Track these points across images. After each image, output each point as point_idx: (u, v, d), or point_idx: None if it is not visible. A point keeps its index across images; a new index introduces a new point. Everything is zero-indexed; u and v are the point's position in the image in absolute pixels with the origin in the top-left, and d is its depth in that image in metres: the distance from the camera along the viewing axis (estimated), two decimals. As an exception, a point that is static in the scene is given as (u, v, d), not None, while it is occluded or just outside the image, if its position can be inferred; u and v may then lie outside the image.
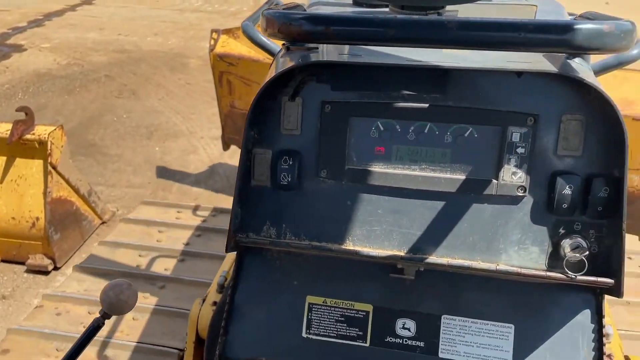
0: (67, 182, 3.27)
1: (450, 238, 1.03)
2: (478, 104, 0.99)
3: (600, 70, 1.19)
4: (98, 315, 1.21)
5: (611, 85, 2.82)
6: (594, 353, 1.04)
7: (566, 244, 0.97)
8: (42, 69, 6.42)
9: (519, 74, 0.96)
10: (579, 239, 0.97)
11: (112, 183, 4.22)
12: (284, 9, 1.13)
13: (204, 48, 7.12)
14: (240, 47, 3.59)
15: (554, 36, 0.82)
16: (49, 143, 3.07)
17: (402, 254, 1.04)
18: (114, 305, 1.19)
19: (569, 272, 0.97)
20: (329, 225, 1.07)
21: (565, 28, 0.81)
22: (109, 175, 4.34)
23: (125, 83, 6.09)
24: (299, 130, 1.05)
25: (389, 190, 1.04)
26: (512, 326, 1.06)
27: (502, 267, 1.01)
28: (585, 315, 1.04)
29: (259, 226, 1.09)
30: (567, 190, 0.97)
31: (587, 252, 0.97)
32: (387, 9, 1.16)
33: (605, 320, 1.77)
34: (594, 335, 1.05)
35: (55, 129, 3.14)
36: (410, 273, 1.07)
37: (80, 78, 6.19)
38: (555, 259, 0.99)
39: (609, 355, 1.70)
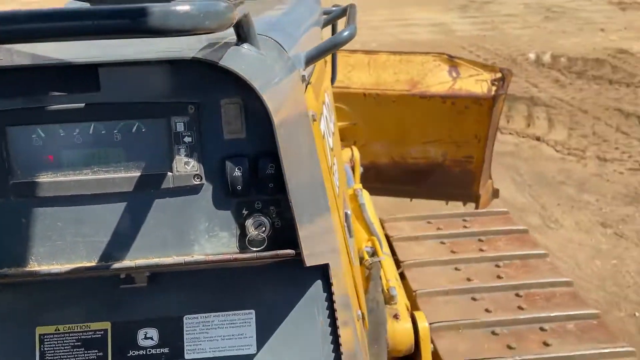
0: None
1: (140, 238, 1.01)
2: (138, 97, 0.98)
3: (318, 55, 1.23)
4: None
5: (399, 69, 3.12)
6: (329, 320, 1.10)
7: (249, 224, 1.02)
8: None
9: (172, 62, 0.97)
10: (261, 217, 1.02)
11: None
12: None
13: None
14: None
15: (125, 21, 0.79)
16: None
17: (92, 264, 1.01)
18: None
19: (252, 250, 1.01)
20: (4, 248, 1.00)
21: (137, 12, 0.79)
22: None
23: None
24: None
25: (66, 200, 1.00)
26: (253, 311, 1.08)
27: (196, 257, 1.02)
28: (317, 287, 1.10)
29: None
30: (238, 172, 1.00)
31: (270, 228, 1.02)
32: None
33: (390, 283, 1.97)
34: (327, 303, 1.10)
35: None
36: (140, 280, 1.05)
37: None
38: (243, 240, 1.03)
39: (396, 315, 1.91)
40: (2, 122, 0.98)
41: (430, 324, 1.89)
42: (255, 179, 1.02)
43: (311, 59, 1.24)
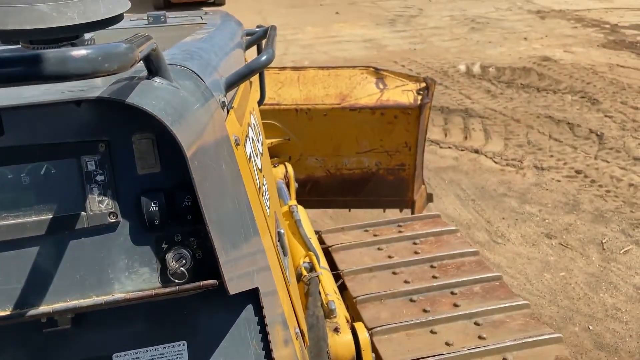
0: None
1: (57, 281, 0.99)
2: (44, 138, 0.97)
3: (237, 80, 1.25)
4: None
5: (328, 83, 3.17)
6: (262, 343, 1.11)
7: (170, 257, 1.01)
8: None
9: (78, 103, 0.96)
10: (182, 250, 1.01)
11: None
12: None
13: None
14: None
15: (22, 69, 0.77)
16: None
17: (7, 312, 0.97)
18: None
19: (175, 283, 1.01)
20: None
21: (34, 59, 0.77)
22: None
23: None
24: None
25: None
26: (185, 342, 1.08)
27: (116, 296, 1.00)
28: (248, 311, 1.10)
29: None
30: (154, 207, 0.99)
31: (192, 260, 1.01)
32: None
33: (329, 297, 1.98)
34: (259, 326, 1.11)
35: None
36: (64, 323, 1.02)
37: None
38: (165, 275, 1.02)
39: (336, 329, 1.92)
40: None
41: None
42: (173, 212, 1.01)
43: (231, 85, 1.25)
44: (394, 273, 2.31)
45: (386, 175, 3.20)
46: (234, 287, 1.03)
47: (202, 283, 1.02)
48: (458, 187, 5.25)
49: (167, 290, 1.01)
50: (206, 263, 1.03)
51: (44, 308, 0.98)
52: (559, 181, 5.29)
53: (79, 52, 0.78)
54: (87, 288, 1.00)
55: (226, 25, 1.81)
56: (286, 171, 2.75)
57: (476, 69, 8.67)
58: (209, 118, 1.06)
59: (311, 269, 2.12)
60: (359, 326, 1.94)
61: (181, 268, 1.00)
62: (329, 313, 1.97)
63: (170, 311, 1.07)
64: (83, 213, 0.98)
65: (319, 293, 2.02)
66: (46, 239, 0.98)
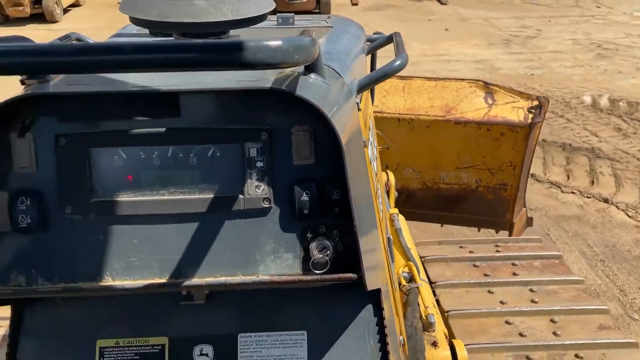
0: None
1: (209, 257, 1.05)
2: (214, 123, 1.03)
3: (369, 83, 1.27)
4: None
5: (434, 94, 3.12)
6: (379, 344, 1.12)
7: (313, 247, 1.04)
8: None
9: (246, 91, 1.01)
10: (325, 241, 1.05)
11: None
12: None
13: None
14: None
15: (216, 55, 0.84)
16: None
17: (164, 280, 1.04)
18: None
19: (315, 272, 1.04)
20: (83, 263, 1.04)
21: (230, 47, 0.84)
22: None
23: None
24: (34, 167, 1.02)
25: (142, 219, 1.04)
26: (305, 332, 1.11)
27: (261, 277, 1.05)
28: (368, 311, 1.12)
29: (5, 276, 1.03)
30: (305, 197, 1.03)
31: (333, 252, 1.04)
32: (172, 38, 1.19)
33: (429, 310, 1.95)
34: (377, 327, 1.12)
35: None
36: (199, 297, 1.08)
37: None
38: (307, 263, 1.05)
39: (434, 343, 1.88)
40: (86, 144, 1.02)
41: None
42: (322, 203, 1.05)
43: (363, 87, 1.27)
44: (489, 292, 2.24)
45: (486, 193, 3.10)
46: (372, 283, 1.05)
47: (342, 275, 1.04)
48: (584, 242, 4.53)
49: (309, 277, 1.05)
50: (345, 257, 1.06)
51: (196, 280, 1.04)
52: None
53: (275, 42, 0.84)
54: (235, 266, 1.05)
55: (351, 29, 1.84)
56: (387, 179, 2.73)
57: (604, 101, 7.56)
58: (350, 117, 1.10)
59: (410, 279, 2.09)
60: (457, 343, 1.88)
61: (324, 257, 1.03)
62: (427, 326, 1.94)
63: (294, 300, 1.11)
64: (240, 196, 1.04)
65: (418, 305, 1.99)
66: (206, 216, 1.03)
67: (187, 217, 1.03)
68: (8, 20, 12.74)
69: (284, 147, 1.04)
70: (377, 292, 1.10)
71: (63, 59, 0.82)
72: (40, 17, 12.56)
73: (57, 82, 1.03)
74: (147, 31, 1.19)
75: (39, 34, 9.40)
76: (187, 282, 1.04)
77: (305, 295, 1.10)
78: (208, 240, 1.04)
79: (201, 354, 1.09)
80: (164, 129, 1.02)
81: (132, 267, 1.04)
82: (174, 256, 1.04)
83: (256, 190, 1.03)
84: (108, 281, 1.04)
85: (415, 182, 3.22)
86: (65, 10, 13.52)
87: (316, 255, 1.04)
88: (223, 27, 1.08)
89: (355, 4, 14.51)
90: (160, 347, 1.09)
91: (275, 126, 1.03)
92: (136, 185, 1.03)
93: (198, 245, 1.04)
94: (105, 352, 1.09)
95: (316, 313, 1.11)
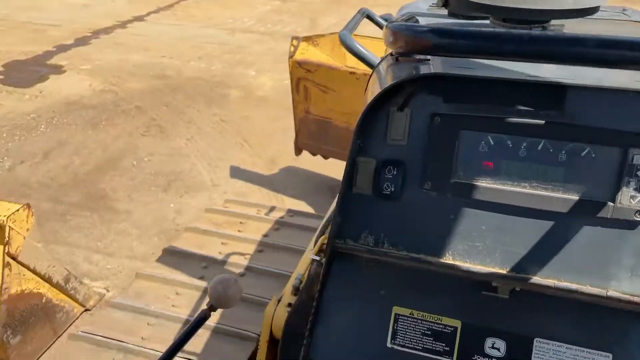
0: (34, 271, 2.67)
1: (557, 259, 1.00)
2: (598, 123, 0.97)
3: None
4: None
5: None
6: None
7: None
8: (74, 96, 6.00)
9: None
10: None
11: (111, 251, 3.62)
12: (404, 21, 1.27)
13: (247, 76, 6.52)
14: (318, 55, 3.66)
15: None
16: (7, 228, 2.47)
17: (504, 272, 1.02)
18: (221, 299, 1.34)
19: None
20: (428, 237, 1.06)
21: None
22: (111, 239, 3.74)
23: (155, 117, 5.55)
24: (405, 140, 1.06)
25: (495, 207, 1.02)
26: (610, 355, 1.01)
27: (612, 293, 0.98)
28: None
29: (357, 234, 1.10)
30: None
31: None
32: (487, 22, 1.21)
33: None
34: None
35: (18, 210, 2.53)
36: (504, 292, 1.05)
37: (109, 109, 5.71)
38: None
39: None
40: (458, 126, 1.03)
41: None
42: None
43: None
44: None
45: None
46: None
47: None
48: None
49: None
50: None
51: (542, 280, 1.00)
52: None
53: None
54: (583, 275, 0.99)
55: None
56: None
57: None
58: None
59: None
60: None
61: None
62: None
63: (604, 318, 1.02)
64: (610, 203, 0.98)
65: None
66: (565, 217, 1.00)
67: (544, 214, 1.00)
68: None
69: None
70: None
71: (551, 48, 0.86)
72: None
73: (440, 63, 1.05)
74: (437, 9, 1.27)
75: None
76: (532, 280, 1.00)
77: (618, 315, 1.00)
78: (561, 242, 1.00)
79: (492, 347, 1.06)
80: (541, 122, 0.98)
81: (475, 251, 1.04)
82: (520, 250, 1.01)
83: (631, 200, 0.97)
84: (448, 259, 1.05)
85: None
86: None
87: None
88: (551, 15, 1.07)
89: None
90: (452, 329, 1.08)
91: None
92: (496, 172, 1.02)
93: (549, 245, 1.00)
94: (399, 319, 1.11)
95: (626, 337, 1.00)
